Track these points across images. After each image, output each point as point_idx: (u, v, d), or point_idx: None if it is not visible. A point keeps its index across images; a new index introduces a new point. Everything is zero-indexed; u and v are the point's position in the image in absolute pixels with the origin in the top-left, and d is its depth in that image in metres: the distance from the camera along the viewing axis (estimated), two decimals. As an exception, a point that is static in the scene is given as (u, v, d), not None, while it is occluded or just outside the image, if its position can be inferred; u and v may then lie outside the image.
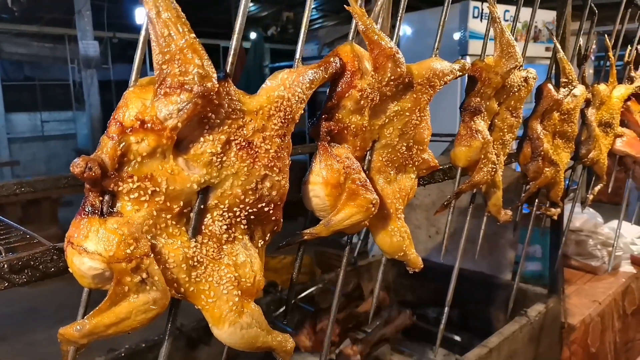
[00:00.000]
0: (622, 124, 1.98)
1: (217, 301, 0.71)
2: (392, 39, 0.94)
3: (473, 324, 2.79)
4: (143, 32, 0.63)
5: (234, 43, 0.70)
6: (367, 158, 0.94)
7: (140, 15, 8.36)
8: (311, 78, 0.77)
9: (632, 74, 1.88)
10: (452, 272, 1.47)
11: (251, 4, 11.90)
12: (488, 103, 1.21)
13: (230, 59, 0.70)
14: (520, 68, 1.32)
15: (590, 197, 1.87)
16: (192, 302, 0.71)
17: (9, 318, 5.11)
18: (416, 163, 1.01)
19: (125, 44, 12.71)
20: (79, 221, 0.61)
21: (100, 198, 0.62)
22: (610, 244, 3.16)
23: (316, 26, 12.60)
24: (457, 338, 2.00)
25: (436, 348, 1.35)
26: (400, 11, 1.07)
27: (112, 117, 0.61)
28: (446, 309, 1.35)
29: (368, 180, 0.89)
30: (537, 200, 1.60)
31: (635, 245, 3.42)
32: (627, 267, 3.23)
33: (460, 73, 1.04)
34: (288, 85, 0.74)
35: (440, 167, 1.34)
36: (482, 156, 1.18)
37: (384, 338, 2.12)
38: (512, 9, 5.81)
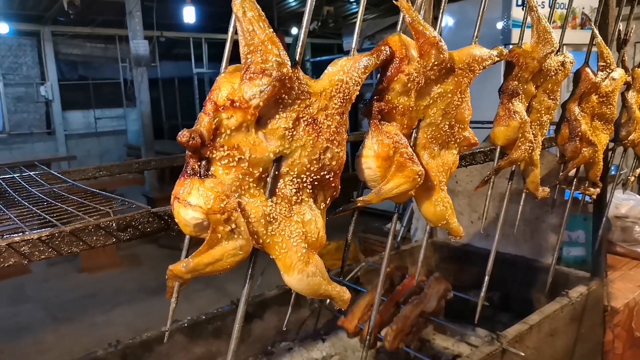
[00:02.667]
0: (666, 107, 2.00)
1: (288, 252, 0.86)
2: (435, 29, 1.05)
3: (514, 306, 2.85)
4: (231, 29, 0.78)
5: (302, 36, 0.84)
6: (413, 135, 1.07)
7: (187, 14, 8.69)
8: (365, 64, 0.90)
9: (675, 57, 1.90)
10: (492, 257, 1.55)
11: (292, 0, 12.06)
12: (525, 86, 1.31)
13: (298, 49, 0.84)
14: (558, 53, 1.40)
15: (632, 179, 1.91)
16: (268, 251, 0.86)
17: (72, 302, 5.51)
18: (458, 140, 1.12)
19: (171, 43, 13.20)
20: (183, 181, 0.76)
21: (199, 163, 0.77)
22: (657, 230, 3.14)
23: (356, 20, 12.64)
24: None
25: (477, 316, 1.45)
26: (443, 3, 1.19)
27: (207, 98, 0.76)
28: (486, 277, 1.44)
29: (414, 155, 1.02)
30: (575, 180, 1.67)
31: (684, 233, 3.36)
32: (675, 254, 3.20)
33: (498, 59, 1.14)
34: (346, 70, 0.87)
35: (482, 147, 1.45)
36: (520, 135, 1.28)
37: (424, 314, 2.20)
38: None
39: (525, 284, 2.92)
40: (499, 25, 5.08)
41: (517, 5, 5.30)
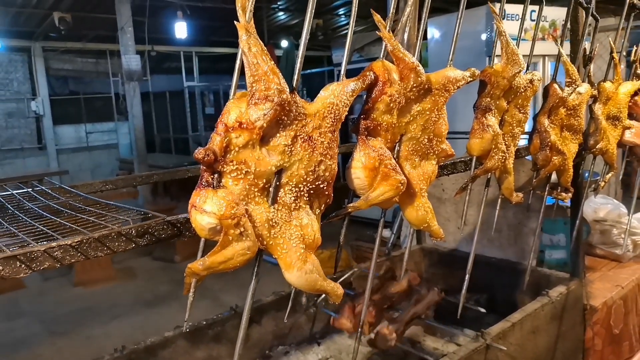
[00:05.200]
0: (632, 117, 2.17)
1: (289, 252, 0.99)
2: (417, 48, 1.20)
3: (500, 308, 2.98)
4: (238, 62, 0.92)
5: (298, 66, 0.97)
6: (396, 148, 1.21)
7: (179, 30, 8.84)
8: (353, 88, 1.04)
9: (639, 71, 2.07)
10: (471, 258, 1.69)
11: (281, 13, 12.25)
12: (498, 102, 1.46)
13: (295, 77, 0.98)
14: (527, 71, 1.56)
15: (602, 184, 2.07)
16: (271, 252, 0.99)
17: (68, 316, 5.54)
18: (436, 152, 1.26)
19: (162, 56, 13.33)
20: (199, 192, 0.89)
21: (212, 176, 0.90)
22: (634, 232, 3.30)
23: (346, 31, 12.87)
24: (483, 310, 2.21)
25: (459, 312, 1.58)
26: (422, 28, 1.33)
27: (219, 120, 0.90)
28: (467, 277, 1.58)
29: (397, 166, 1.15)
30: (548, 186, 1.82)
31: (661, 235, 3.53)
32: (652, 255, 3.36)
33: (471, 79, 1.29)
34: (336, 94, 1.01)
35: (462, 157, 1.60)
36: (493, 146, 1.42)
37: (416, 316, 2.34)
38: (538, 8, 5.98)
39: (510, 286, 3.06)
40: (483, 37, 5.29)
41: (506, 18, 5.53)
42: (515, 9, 5.29)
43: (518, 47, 1.62)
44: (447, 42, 5.86)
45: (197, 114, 13.57)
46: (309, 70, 12.30)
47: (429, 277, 3.46)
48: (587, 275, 3.06)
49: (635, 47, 2.05)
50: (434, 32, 6.34)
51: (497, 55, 1.47)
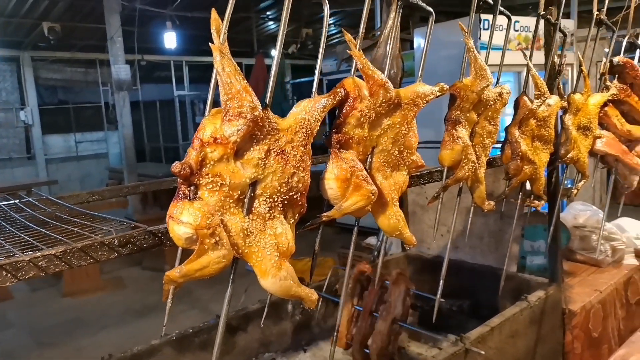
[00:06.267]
0: (603, 127, 2.25)
1: (263, 260, 1.04)
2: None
3: (484, 313, 3.04)
4: (212, 81, 0.98)
5: (271, 84, 1.03)
6: (368, 160, 1.27)
7: (168, 40, 8.89)
8: (324, 104, 1.10)
9: (607, 83, 2.16)
10: (445, 263, 1.75)
11: (271, 23, 12.33)
12: (468, 115, 1.52)
13: (269, 94, 1.04)
14: (497, 85, 1.63)
15: (575, 192, 2.14)
16: (246, 260, 1.04)
17: (58, 327, 5.51)
18: (407, 163, 1.32)
19: (152, 66, 13.37)
20: (176, 203, 0.95)
21: (189, 188, 0.95)
22: (612, 238, 3.39)
23: (334, 41, 13.02)
24: (452, 307, 2.27)
25: (434, 314, 1.64)
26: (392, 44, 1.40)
27: (195, 136, 0.95)
28: (441, 282, 1.64)
29: (369, 177, 1.22)
30: (521, 194, 1.89)
31: (639, 240, 3.63)
32: (630, 260, 3.45)
33: (440, 93, 1.36)
34: (308, 110, 1.07)
35: (438, 167, 1.67)
36: (463, 157, 1.49)
37: (395, 321, 2.37)
38: (522, 19, 6.14)
39: (493, 292, 3.12)
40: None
41: (484, 29, 5.66)
42: (499, 20, 5.43)
43: (503, 58, 1.71)
44: (434, 51, 5.98)
45: (188, 123, 13.61)
46: (298, 80, 12.41)
47: (413, 283, 3.52)
48: (567, 280, 3.13)
49: (603, 60, 2.13)
50: (420, 42, 6.47)
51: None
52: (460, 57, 1.56)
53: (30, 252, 1.03)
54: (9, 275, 1.00)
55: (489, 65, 1.58)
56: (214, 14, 0.95)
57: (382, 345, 2.30)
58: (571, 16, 7.33)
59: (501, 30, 6.33)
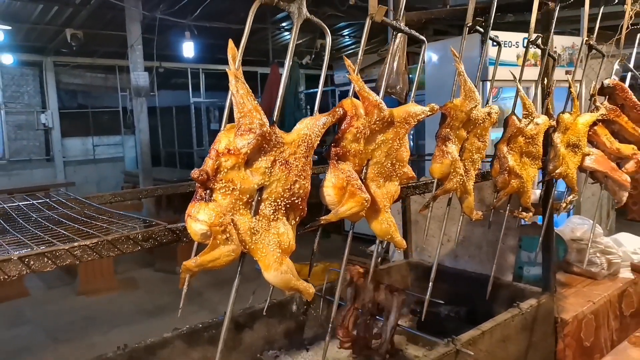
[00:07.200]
0: (593, 145, 2.39)
1: (267, 255, 1.20)
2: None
3: (480, 320, 3.16)
4: (228, 101, 1.15)
5: (278, 103, 1.20)
6: (363, 171, 1.43)
7: (186, 49, 9.16)
8: (324, 122, 1.26)
9: (597, 104, 2.30)
10: (434, 268, 1.90)
11: (286, 33, 12.57)
12: (457, 132, 1.68)
13: (276, 112, 1.20)
14: (487, 105, 1.79)
15: (564, 205, 2.28)
16: (252, 254, 1.21)
17: (71, 324, 5.67)
18: (399, 174, 1.48)
19: (169, 73, 13.70)
20: (194, 204, 1.12)
21: (205, 192, 1.12)
22: (609, 252, 3.50)
23: (349, 52, 13.23)
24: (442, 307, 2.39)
25: (422, 314, 1.78)
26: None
27: (211, 147, 1.12)
28: (430, 284, 1.78)
29: (363, 186, 1.38)
30: (508, 205, 2.03)
31: (636, 255, 3.73)
32: (626, 274, 3.55)
33: (430, 113, 1.52)
34: (309, 127, 1.24)
35: (432, 179, 1.82)
36: (452, 170, 1.64)
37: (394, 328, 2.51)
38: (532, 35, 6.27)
39: (488, 300, 3.25)
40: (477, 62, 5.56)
41: (493, 45, 5.80)
42: (508, 36, 5.59)
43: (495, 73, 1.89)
44: (444, 66, 6.14)
45: (203, 129, 13.87)
46: (311, 90, 12.61)
47: (414, 290, 3.66)
48: (562, 290, 3.25)
49: (593, 83, 2.28)
50: (431, 56, 6.64)
51: (489, 80, 1.71)
52: (469, 72, 1.71)
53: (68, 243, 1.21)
54: (50, 262, 1.18)
55: (496, 81, 1.73)
56: (230, 43, 1.13)
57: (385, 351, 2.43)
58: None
59: (509, 47, 6.43)
